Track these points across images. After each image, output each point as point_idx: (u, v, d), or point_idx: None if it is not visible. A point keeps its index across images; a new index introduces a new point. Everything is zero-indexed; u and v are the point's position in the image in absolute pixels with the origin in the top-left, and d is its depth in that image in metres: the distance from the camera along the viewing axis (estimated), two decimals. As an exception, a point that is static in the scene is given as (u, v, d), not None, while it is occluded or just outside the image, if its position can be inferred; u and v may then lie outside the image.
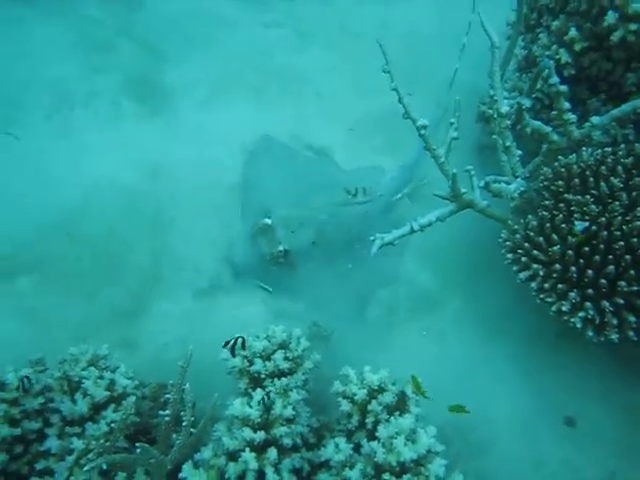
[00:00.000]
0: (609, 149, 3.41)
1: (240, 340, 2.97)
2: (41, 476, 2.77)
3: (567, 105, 3.02)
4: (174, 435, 2.89)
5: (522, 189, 3.29)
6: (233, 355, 3.01)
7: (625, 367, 3.79)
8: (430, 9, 5.80)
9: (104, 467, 2.73)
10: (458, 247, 4.35)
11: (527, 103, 3.19)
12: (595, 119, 3.01)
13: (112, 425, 2.90)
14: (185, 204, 4.63)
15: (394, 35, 5.56)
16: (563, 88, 2.95)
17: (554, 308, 3.20)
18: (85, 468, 2.64)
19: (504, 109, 3.33)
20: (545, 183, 3.49)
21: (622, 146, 3.39)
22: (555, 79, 2.93)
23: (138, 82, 5.31)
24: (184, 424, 2.83)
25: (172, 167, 4.79)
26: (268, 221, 4.08)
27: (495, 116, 3.44)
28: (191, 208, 4.61)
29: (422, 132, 3.43)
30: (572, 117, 3.07)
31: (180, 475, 2.77)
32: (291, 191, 4.39)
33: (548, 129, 3.19)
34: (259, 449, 2.76)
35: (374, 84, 5.07)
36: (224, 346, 2.99)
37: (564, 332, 3.61)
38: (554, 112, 3.08)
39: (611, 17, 3.31)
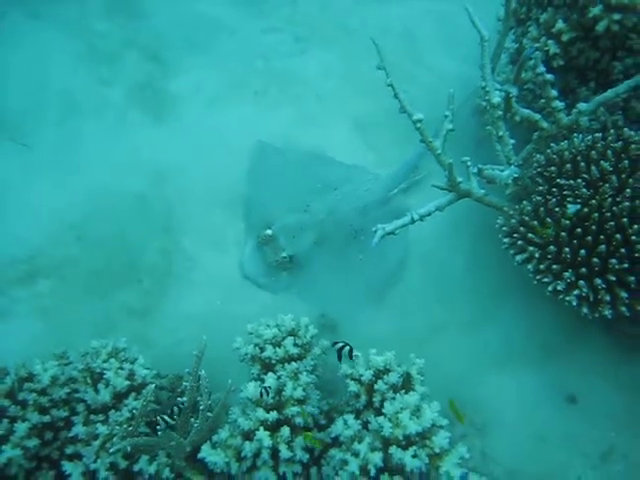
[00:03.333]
0: (599, 135, 3.54)
1: None
2: (71, 459, 2.93)
3: (554, 93, 3.17)
4: (192, 419, 3.05)
5: (515, 175, 3.43)
6: None
7: (624, 344, 3.93)
8: (427, 10, 5.94)
9: (128, 450, 2.90)
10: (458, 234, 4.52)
11: (514, 91, 3.33)
12: (582, 105, 3.16)
13: (134, 412, 3.06)
14: (192, 206, 4.82)
15: (392, 35, 5.73)
16: (549, 77, 3.10)
17: (550, 288, 3.34)
18: (111, 450, 2.81)
19: (495, 100, 3.47)
20: (538, 169, 3.63)
21: (611, 131, 3.52)
22: (542, 68, 3.08)
23: (143, 90, 5.48)
24: (201, 408, 2.99)
25: (178, 170, 4.98)
26: (269, 232, 4.31)
27: (488, 107, 3.60)
28: (198, 210, 4.80)
29: (418, 125, 3.56)
30: (560, 104, 3.21)
31: (199, 455, 2.93)
32: (291, 195, 4.59)
33: (537, 116, 3.34)
34: (272, 428, 2.91)
35: (373, 84, 5.27)
36: None
37: (564, 313, 3.72)
38: (543, 100, 3.23)
39: (596, 8, 3.46)
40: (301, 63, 5.68)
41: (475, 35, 3.71)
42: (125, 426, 2.94)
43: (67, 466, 2.91)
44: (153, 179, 4.94)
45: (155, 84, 5.55)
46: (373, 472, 2.76)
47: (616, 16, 3.40)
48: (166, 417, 3.01)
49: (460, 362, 4.03)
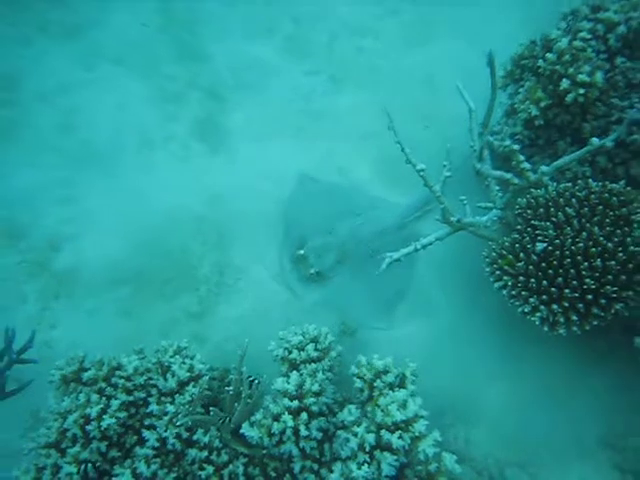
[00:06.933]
0: (570, 184, 4.31)
1: None
2: (148, 429, 3.99)
3: (522, 157, 3.97)
4: (235, 404, 4.03)
5: (494, 219, 4.24)
6: None
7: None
8: (445, 56, 6.76)
9: (189, 424, 3.92)
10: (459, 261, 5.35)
11: (484, 167, 4.14)
12: (544, 168, 3.94)
13: (193, 396, 4.08)
14: (240, 225, 5.78)
15: (415, 79, 6.61)
16: (516, 146, 3.91)
17: (520, 310, 4.14)
18: (177, 424, 3.85)
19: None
20: (519, 211, 4.43)
21: (579, 182, 4.28)
22: (507, 142, 3.90)
23: (203, 125, 6.51)
24: (243, 396, 3.96)
25: (230, 195, 5.97)
26: (301, 252, 5.27)
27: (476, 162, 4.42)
28: (245, 228, 5.76)
29: (421, 174, 4.35)
30: (527, 165, 4.01)
31: (241, 431, 3.90)
32: (321, 218, 5.53)
33: (508, 175, 4.15)
34: (295, 413, 3.85)
35: (399, 122, 6.13)
36: None
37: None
38: (513, 162, 4.03)
39: (565, 83, 4.23)
40: (336, 102, 6.61)
41: (487, 79, 4.41)
42: (187, 406, 3.97)
43: (146, 433, 3.93)
44: (209, 202, 5.94)
45: (213, 119, 6.57)
46: (368, 448, 3.67)
47: (581, 90, 4.16)
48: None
49: (452, 367, 4.88)
